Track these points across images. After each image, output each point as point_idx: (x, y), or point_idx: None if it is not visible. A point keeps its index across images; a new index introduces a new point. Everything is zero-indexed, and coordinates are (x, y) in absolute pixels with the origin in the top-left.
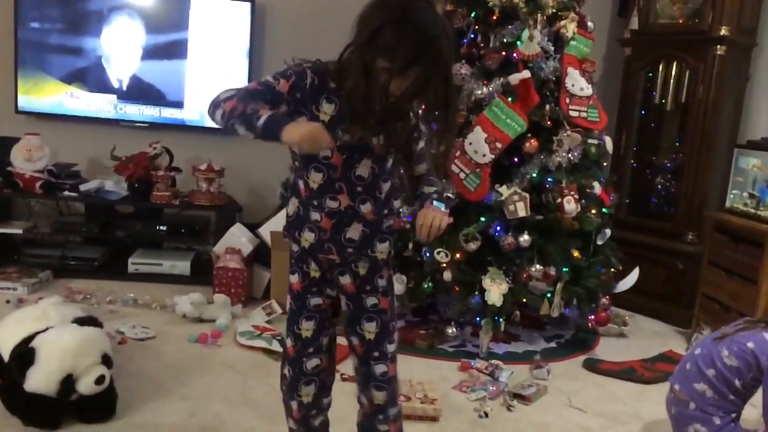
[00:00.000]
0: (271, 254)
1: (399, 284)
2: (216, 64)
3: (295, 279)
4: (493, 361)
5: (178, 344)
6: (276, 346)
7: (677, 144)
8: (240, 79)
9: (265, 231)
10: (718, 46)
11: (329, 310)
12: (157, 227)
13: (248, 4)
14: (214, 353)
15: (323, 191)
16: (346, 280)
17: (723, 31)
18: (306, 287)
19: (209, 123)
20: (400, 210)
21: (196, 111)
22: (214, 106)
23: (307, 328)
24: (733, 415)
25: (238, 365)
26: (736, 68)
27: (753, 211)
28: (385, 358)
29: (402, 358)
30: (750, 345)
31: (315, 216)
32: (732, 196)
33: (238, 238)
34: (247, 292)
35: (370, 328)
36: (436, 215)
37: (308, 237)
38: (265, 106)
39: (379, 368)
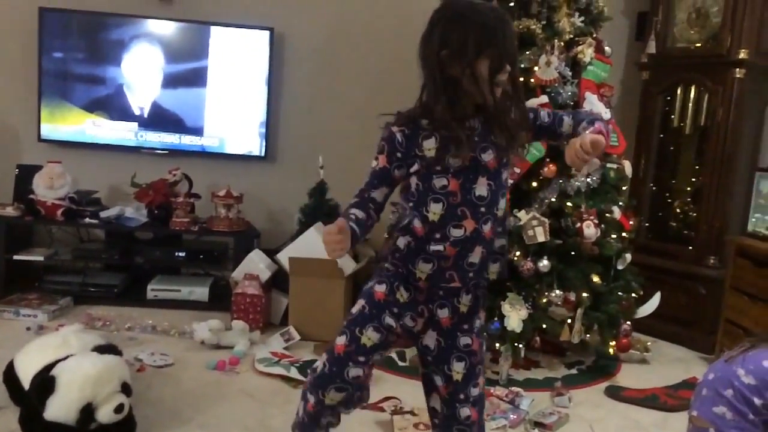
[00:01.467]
0: (290, 280)
1: None
2: (235, 91)
3: (380, 289)
4: (513, 389)
5: (197, 371)
6: (294, 374)
7: (697, 167)
8: (259, 106)
9: (283, 257)
10: (737, 70)
11: (396, 337)
12: (176, 253)
13: (267, 33)
14: (232, 380)
15: (445, 221)
16: (444, 313)
17: (742, 54)
18: (388, 302)
19: (228, 149)
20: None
21: (215, 137)
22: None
23: (369, 337)
24: None
25: (257, 393)
26: (756, 91)
27: None
28: (469, 401)
29: (419, 385)
30: (766, 363)
31: (437, 247)
32: (754, 219)
33: (256, 263)
34: (266, 318)
35: (458, 369)
36: (576, 140)
37: (424, 268)
38: (386, 189)
39: (464, 412)
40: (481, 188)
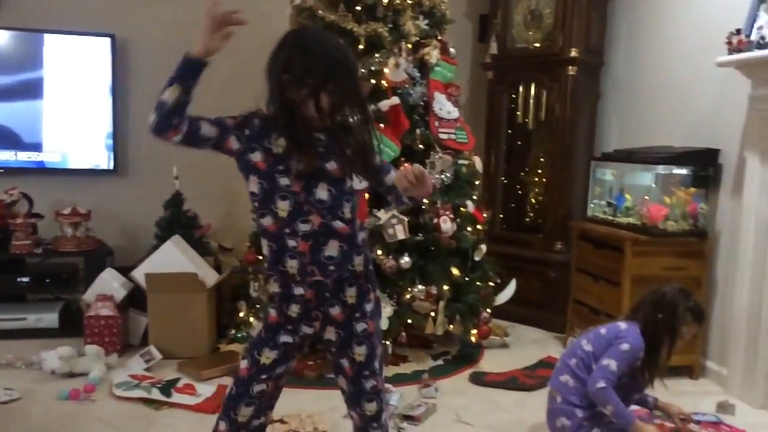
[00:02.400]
0: (148, 297)
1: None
2: (77, 102)
3: (273, 313)
4: (382, 378)
5: (47, 404)
6: (156, 395)
7: (542, 160)
8: (104, 117)
9: (139, 274)
10: (570, 67)
11: (294, 349)
12: (19, 279)
13: (108, 40)
14: (88, 409)
15: (293, 217)
16: (335, 311)
17: (573, 53)
18: (282, 324)
19: (72, 164)
20: None
21: (56, 152)
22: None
23: (268, 356)
24: (596, 409)
25: (115, 420)
26: (588, 86)
27: (611, 218)
28: (374, 374)
29: (291, 391)
30: (603, 331)
31: (292, 243)
32: (592, 205)
33: (109, 283)
34: (123, 339)
35: (360, 352)
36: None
37: (292, 264)
38: (214, 133)
39: (369, 383)
40: (322, 192)
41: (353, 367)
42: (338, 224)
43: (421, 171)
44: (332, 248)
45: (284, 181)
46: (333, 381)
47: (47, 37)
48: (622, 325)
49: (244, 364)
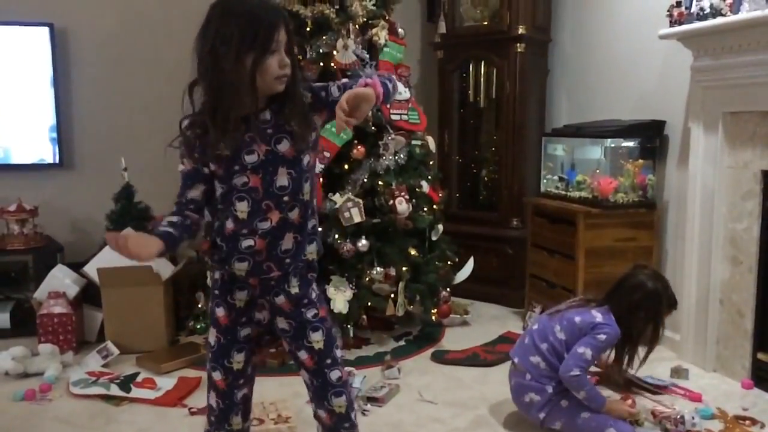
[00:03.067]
0: (101, 292)
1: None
2: (16, 96)
3: (221, 312)
4: (345, 369)
5: (2, 405)
6: (115, 391)
7: (495, 138)
8: (47, 110)
9: (91, 269)
10: (518, 44)
11: (256, 339)
12: None
13: (47, 29)
14: (44, 409)
15: (253, 217)
16: (281, 300)
17: (520, 30)
18: (234, 319)
19: (15, 159)
20: None
21: None
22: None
23: (238, 360)
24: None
25: (74, 418)
26: (536, 63)
27: (564, 193)
28: (337, 363)
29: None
30: (577, 320)
31: (247, 243)
32: (545, 181)
33: (61, 280)
34: (78, 337)
35: (317, 338)
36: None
37: (241, 267)
38: (202, 185)
39: (334, 374)
40: (282, 179)
41: (313, 356)
42: (294, 214)
43: (354, 95)
44: (288, 241)
45: (241, 180)
46: (294, 367)
47: None
48: (597, 315)
49: (217, 376)
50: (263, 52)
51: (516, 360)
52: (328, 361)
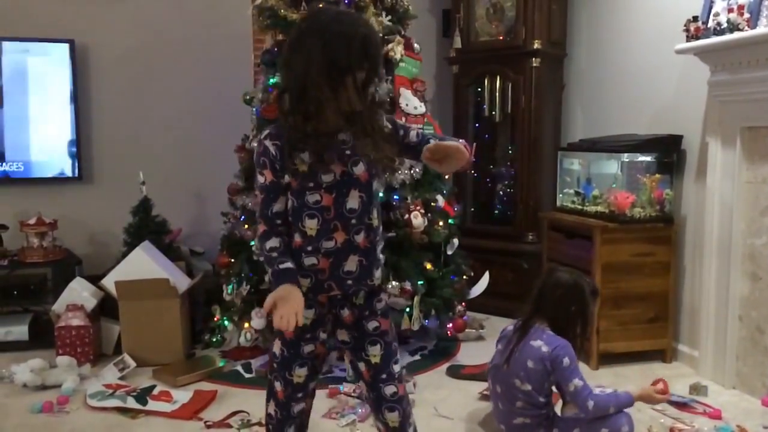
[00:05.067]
0: (119, 305)
1: (259, 318)
2: (38, 110)
3: None
4: (361, 383)
5: (20, 417)
6: (132, 403)
7: (510, 152)
8: (66, 124)
9: (109, 282)
10: (533, 59)
11: (321, 356)
12: None
13: (67, 45)
14: (62, 421)
15: (320, 235)
16: (345, 313)
17: (536, 45)
18: (299, 335)
19: (35, 173)
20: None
21: (18, 162)
22: (259, 239)
23: (299, 374)
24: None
25: (90, 430)
26: (551, 78)
27: (580, 207)
28: (393, 378)
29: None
30: (530, 364)
31: (310, 261)
32: (561, 195)
33: (79, 293)
34: (96, 349)
35: (375, 352)
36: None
37: (303, 282)
38: (284, 197)
39: (389, 389)
40: (353, 201)
41: (369, 369)
42: (360, 237)
43: (443, 147)
44: (351, 263)
45: (314, 197)
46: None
47: (5, 44)
48: (541, 344)
49: (278, 386)
50: (373, 74)
51: (503, 428)
52: (384, 375)
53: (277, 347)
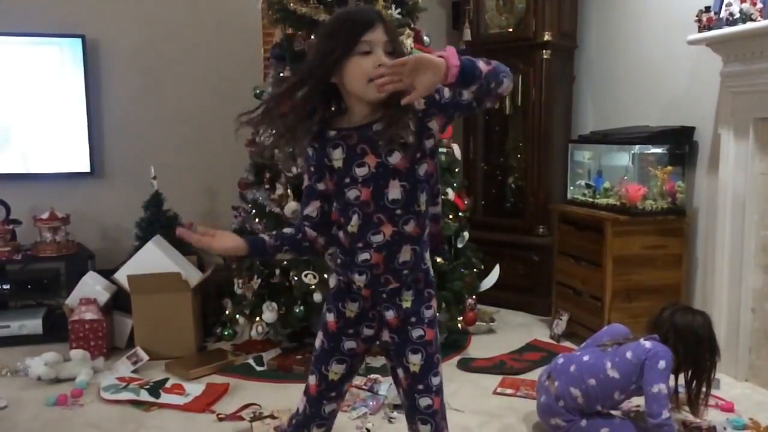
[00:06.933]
0: (132, 299)
1: (270, 312)
2: (49, 105)
3: (330, 318)
4: (371, 376)
5: (35, 410)
6: (145, 396)
7: (521, 145)
8: (79, 120)
9: (121, 276)
10: (544, 51)
11: (361, 356)
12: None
13: (79, 41)
14: (76, 414)
15: (363, 230)
16: (390, 315)
17: (546, 37)
18: (341, 328)
19: (48, 168)
20: None
21: (31, 157)
22: None
23: (336, 371)
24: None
25: (104, 423)
26: (562, 70)
27: (591, 200)
28: (430, 391)
29: (281, 387)
30: (629, 355)
31: (363, 256)
32: (572, 188)
33: (92, 287)
34: (109, 343)
35: (415, 361)
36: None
37: (360, 279)
38: (317, 202)
39: (424, 401)
40: (394, 191)
41: (407, 377)
42: (410, 227)
43: (412, 60)
44: (405, 254)
45: (353, 193)
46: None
47: (17, 39)
48: (645, 343)
49: (312, 380)
50: (345, 52)
51: (556, 383)
52: (420, 386)
53: (318, 339)
